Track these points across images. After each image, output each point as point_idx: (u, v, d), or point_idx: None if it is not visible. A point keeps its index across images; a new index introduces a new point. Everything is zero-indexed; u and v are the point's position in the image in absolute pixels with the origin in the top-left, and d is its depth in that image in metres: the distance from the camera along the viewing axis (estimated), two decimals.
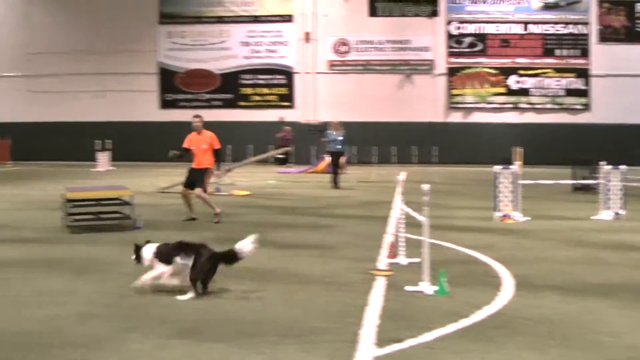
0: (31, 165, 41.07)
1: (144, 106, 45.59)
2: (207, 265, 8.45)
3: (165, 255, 8.67)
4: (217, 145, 15.94)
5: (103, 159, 37.28)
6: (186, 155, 16.11)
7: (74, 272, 9.81)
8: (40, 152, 44.56)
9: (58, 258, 10.95)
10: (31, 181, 28.43)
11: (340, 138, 25.48)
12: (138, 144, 42.39)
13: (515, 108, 43.63)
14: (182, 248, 8.66)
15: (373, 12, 44.21)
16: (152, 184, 25.03)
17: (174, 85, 46.07)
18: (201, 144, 15.76)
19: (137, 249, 8.89)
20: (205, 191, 15.82)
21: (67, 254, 11.27)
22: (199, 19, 45.81)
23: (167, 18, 45.99)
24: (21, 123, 45.69)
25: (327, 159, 32.20)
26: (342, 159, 25.90)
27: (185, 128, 42.34)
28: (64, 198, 14.55)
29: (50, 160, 43.99)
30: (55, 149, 44.58)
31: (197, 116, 16.13)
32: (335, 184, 24.77)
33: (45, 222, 15.24)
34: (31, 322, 7.26)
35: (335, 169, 25.38)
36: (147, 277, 8.64)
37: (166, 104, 45.85)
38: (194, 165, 15.86)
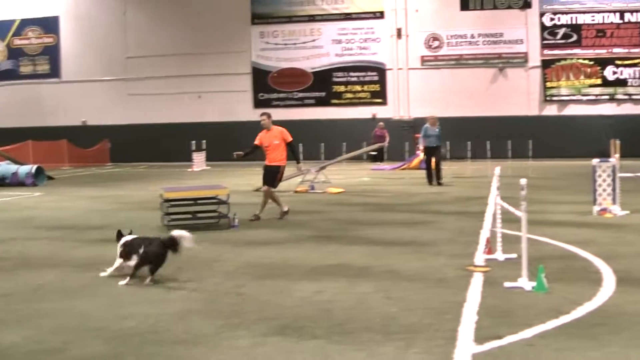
0: (129, 166, 42.03)
1: (238, 106, 46.10)
2: (154, 251, 9.25)
3: (128, 248, 9.56)
4: (289, 138, 16.05)
5: (199, 159, 37.85)
6: (255, 152, 16.39)
7: (172, 269, 9.90)
8: (138, 153, 45.55)
9: None
10: (130, 182, 29.06)
11: (437, 133, 24.58)
12: (232, 143, 42.66)
13: (612, 99, 42.48)
14: (140, 241, 9.53)
15: (465, 6, 43.67)
16: (247, 183, 25.26)
17: (266, 85, 46.43)
18: (273, 140, 15.87)
19: (118, 237, 9.91)
20: (274, 188, 15.98)
21: None
22: (290, 18, 46.04)
23: (259, 18, 46.40)
24: (119, 126, 46.86)
25: (421, 155, 31.89)
26: (441, 151, 24.99)
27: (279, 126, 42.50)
28: (162, 198, 14.82)
29: (147, 161, 44.97)
30: (152, 150, 45.50)
31: (264, 114, 16.25)
32: (430, 180, 24.18)
33: (144, 222, 15.51)
34: (131, 319, 7.41)
35: (431, 164, 24.49)
36: (111, 269, 9.68)
37: (260, 104, 46.20)
38: (267, 162, 16.01)
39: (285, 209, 15.89)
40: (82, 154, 43.75)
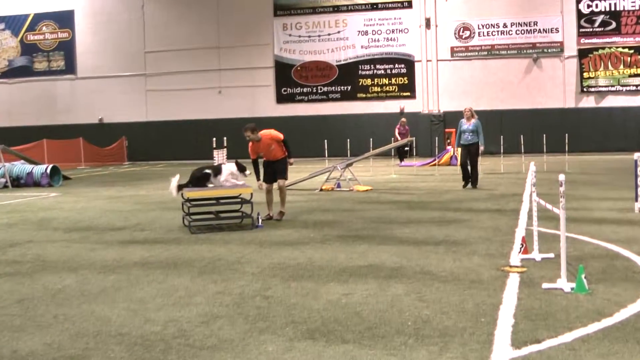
0: (147, 165, 42.29)
1: (261, 101, 46.19)
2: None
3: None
4: (281, 136, 15.38)
5: (219, 157, 37.79)
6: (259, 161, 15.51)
7: (195, 272, 9.89)
8: (156, 151, 45.85)
9: (179, 258, 11.06)
10: (149, 181, 29.26)
11: (472, 128, 21.72)
12: None
13: None
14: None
15: None
16: None
17: (290, 79, 46.36)
18: (268, 147, 15.22)
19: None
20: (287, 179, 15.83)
21: (188, 254, 11.38)
22: (314, 9, 45.90)
23: (282, 9, 46.25)
24: (137, 123, 47.16)
25: (451, 151, 31.37)
26: (480, 149, 21.96)
27: (301, 122, 42.62)
28: (183, 197, 14.67)
29: (165, 159, 45.28)
30: (171, 148, 45.77)
31: (246, 129, 15.08)
32: (465, 182, 21.84)
33: (164, 223, 15.51)
34: (154, 324, 7.29)
35: (467, 164, 21.86)
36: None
37: (283, 98, 46.20)
38: (269, 158, 15.42)
39: (272, 214, 15.41)
40: (98, 152, 44.21)
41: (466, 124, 21.86)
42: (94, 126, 47.82)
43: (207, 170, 14.83)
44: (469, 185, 21.77)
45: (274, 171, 15.39)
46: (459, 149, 22.67)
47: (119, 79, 48.38)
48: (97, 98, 48.33)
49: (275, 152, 15.34)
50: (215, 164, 15.06)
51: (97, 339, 6.84)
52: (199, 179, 14.75)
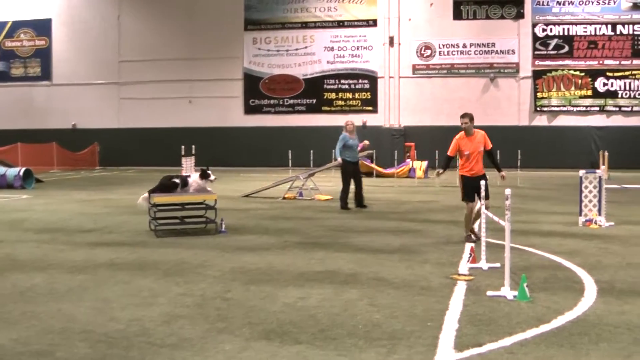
0: (118, 170, 42.08)
1: (230, 112, 46.28)
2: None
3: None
4: (490, 145, 13.53)
5: (188, 164, 37.82)
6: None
7: (160, 274, 10.06)
8: (127, 157, 45.72)
9: (145, 261, 11.21)
10: (119, 186, 29.09)
11: (357, 143, 19.64)
12: (223, 149, 42.97)
13: (602, 111, 42.75)
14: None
15: (458, 16, 43.91)
16: (235, 189, 25.38)
17: (258, 91, 46.55)
18: (478, 147, 13.33)
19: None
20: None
21: (154, 257, 11.52)
22: (283, 25, 46.20)
23: (252, 24, 46.52)
24: (109, 129, 47.00)
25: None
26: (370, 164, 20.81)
27: (268, 132, 42.52)
28: (150, 202, 14.87)
29: (136, 165, 45.09)
30: (142, 154, 45.68)
31: (465, 115, 13.50)
32: (346, 203, 19.33)
33: (132, 226, 15.62)
34: (118, 323, 7.45)
35: (349, 185, 19.52)
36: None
37: (250, 110, 46.37)
38: (471, 172, 13.38)
39: (478, 236, 12.72)
40: (71, 157, 43.86)
41: (351, 138, 19.54)
42: (68, 131, 47.52)
43: (176, 180, 15.03)
44: (357, 206, 19.50)
45: (477, 189, 12.23)
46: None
47: (93, 87, 48.21)
48: (72, 104, 48.07)
49: (479, 162, 13.43)
50: (184, 175, 15.17)
51: (63, 335, 6.99)
52: (167, 187, 14.95)
